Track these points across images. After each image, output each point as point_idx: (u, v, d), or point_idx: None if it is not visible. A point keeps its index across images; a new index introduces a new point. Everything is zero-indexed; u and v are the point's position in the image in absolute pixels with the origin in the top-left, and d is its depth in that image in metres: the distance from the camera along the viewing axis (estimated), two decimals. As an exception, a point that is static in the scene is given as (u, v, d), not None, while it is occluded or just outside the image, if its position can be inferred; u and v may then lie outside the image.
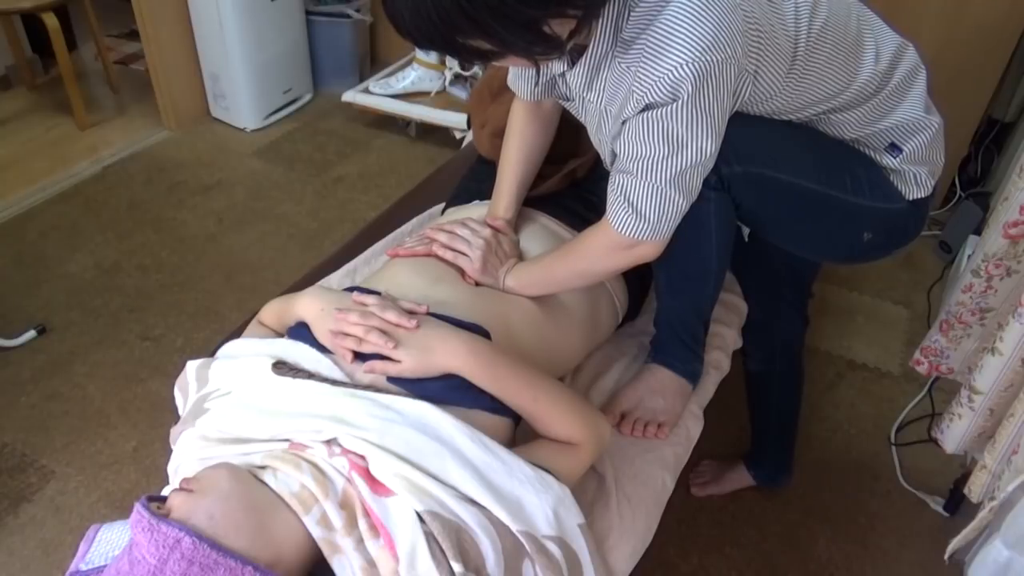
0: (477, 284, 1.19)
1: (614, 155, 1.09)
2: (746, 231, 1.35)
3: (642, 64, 0.94)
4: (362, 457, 0.88)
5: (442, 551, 0.82)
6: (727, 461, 1.71)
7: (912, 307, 2.25)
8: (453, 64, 2.94)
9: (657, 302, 1.29)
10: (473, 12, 0.81)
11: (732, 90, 0.98)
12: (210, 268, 2.34)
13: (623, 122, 1.02)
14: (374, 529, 0.84)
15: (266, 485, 0.85)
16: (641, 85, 0.94)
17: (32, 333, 2.05)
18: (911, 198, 1.18)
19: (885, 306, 2.26)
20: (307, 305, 1.07)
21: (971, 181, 2.54)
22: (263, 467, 0.89)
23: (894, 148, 1.16)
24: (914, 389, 1.96)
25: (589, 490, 1.10)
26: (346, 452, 0.88)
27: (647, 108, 0.96)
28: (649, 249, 1.09)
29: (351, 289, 1.12)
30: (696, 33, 0.90)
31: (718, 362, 1.36)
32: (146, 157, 2.91)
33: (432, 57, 2.93)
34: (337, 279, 1.45)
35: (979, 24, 2.21)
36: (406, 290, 1.11)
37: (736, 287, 1.47)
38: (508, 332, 1.10)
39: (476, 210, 1.35)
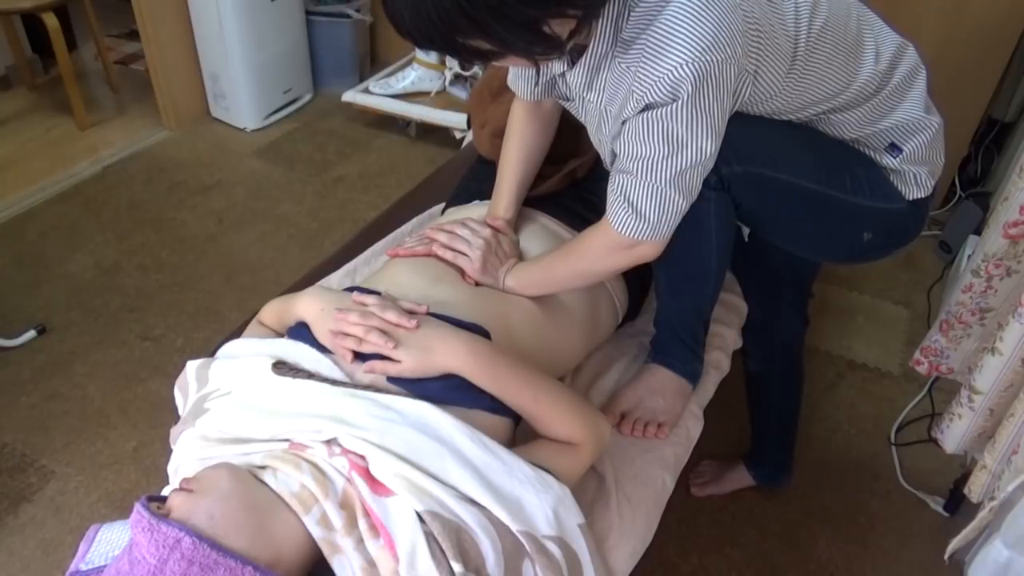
0: (477, 284, 1.19)
1: (614, 155, 1.09)
2: (746, 231, 1.35)
3: (642, 64, 0.94)
4: (362, 457, 0.88)
5: (442, 551, 0.82)
6: (727, 461, 1.71)
7: (912, 307, 2.25)
8: (453, 64, 2.94)
9: (657, 302, 1.29)
10: (473, 12, 0.81)
11: (732, 90, 0.98)
12: (210, 268, 2.34)
13: (623, 122, 1.02)
14: (374, 529, 0.84)
15: (266, 485, 0.85)
16: (641, 85, 0.94)
17: (32, 333, 2.05)
18: (911, 198, 1.18)
19: (885, 306, 2.26)
20: (307, 305, 1.07)
21: (971, 181, 2.54)
22: (263, 467, 0.89)
23: (894, 148, 1.16)
24: (914, 389, 1.96)
25: (589, 490, 1.10)
26: (346, 452, 0.88)
27: (647, 108, 0.96)
28: (649, 249, 1.09)
29: (351, 289, 1.12)
30: (696, 33, 0.90)
31: (718, 362, 1.36)
32: (146, 157, 2.91)
33: (432, 57, 2.93)
34: (337, 279, 1.45)
35: (979, 24, 2.21)
36: (406, 290, 1.11)
37: (736, 287, 1.47)
38: (508, 332, 1.10)
39: (476, 210, 1.35)
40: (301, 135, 3.08)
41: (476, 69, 2.93)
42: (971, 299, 1.45)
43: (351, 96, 3.00)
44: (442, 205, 1.57)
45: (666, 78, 0.92)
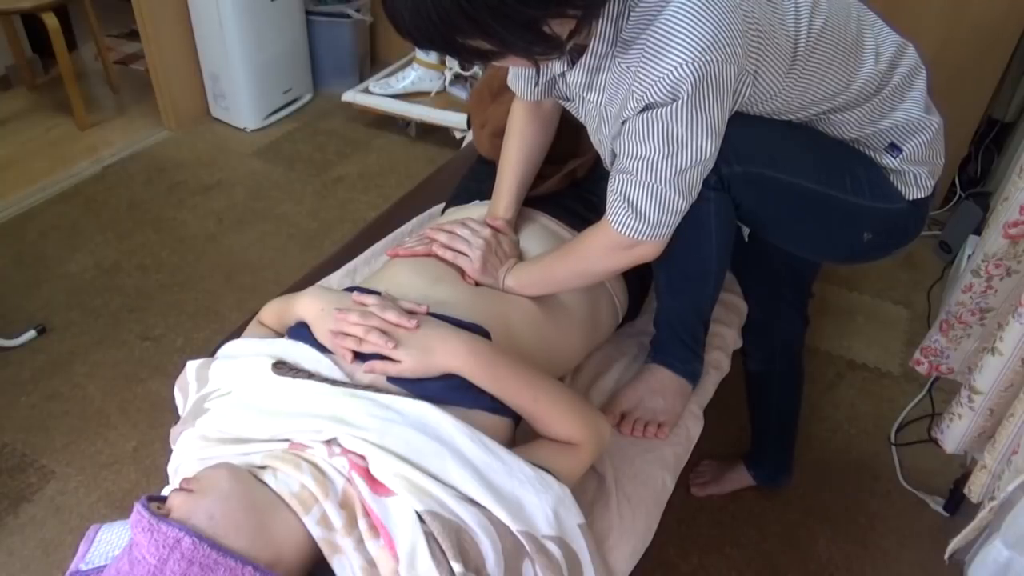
0: (477, 284, 1.19)
1: (614, 155, 1.09)
2: (746, 231, 1.35)
3: (642, 64, 0.94)
4: (362, 457, 0.88)
5: (442, 551, 0.82)
6: (727, 461, 1.71)
7: (912, 307, 2.25)
8: (453, 64, 2.94)
9: (657, 302, 1.29)
10: (473, 12, 0.81)
11: (732, 90, 0.98)
12: (210, 268, 2.34)
13: (623, 122, 1.02)
14: (374, 529, 0.84)
15: (266, 485, 0.85)
16: (641, 85, 0.94)
17: (32, 333, 2.05)
18: (911, 198, 1.18)
19: (885, 306, 2.26)
20: (307, 305, 1.07)
21: (971, 181, 2.54)
22: (263, 467, 0.89)
23: (894, 148, 1.16)
24: (914, 389, 1.96)
25: (589, 490, 1.10)
26: (346, 452, 0.88)
27: (647, 108, 0.96)
28: (649, 249, 1.09)
29: (351, 289, 1.12)
30: (696, 33, 0.90)
31: (718, 362, 1.36)
32: (146, 157, 2.91)
33: (432, 57, 2.93)
34: (337, 279, 1.45)
35: (979, 24, 2.21)
36: (406, 290, 1.11)
37: (736, 287, 1.47)
38: (508, 332, 1.10)
39: (476, 210, 1.35)
40: (301, 135, 3.08)
41: (476, 69, 2.93)
42: (971, 299, 1.45)
43: (351, 96, 3.00)
44: (442, 205, 1.57)
45: (666, 78, 0.92)
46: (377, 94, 2.97)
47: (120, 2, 3.22)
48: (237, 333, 1.20)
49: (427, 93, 2.98)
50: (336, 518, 0.83)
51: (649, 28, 0.93)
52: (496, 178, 1.31)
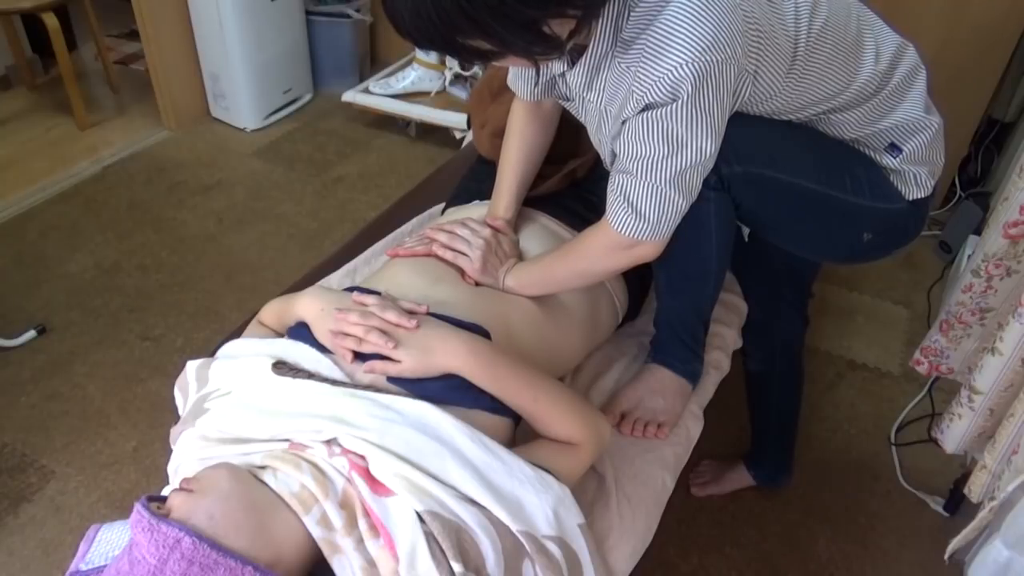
0: (477, 284, 1.19)
1: (614, 155, 1.09)
2: (746, 231, 1.35)
3: (642, 64, 0.94)
4: (362, 457, 0.88)
5: (442, 551, 0.82)
6: (727, 461, 1.71)
7: (912, 307, 2.25)
8: (453, 64, 2.94)
9: (657, 302, 1.29)
10: (473, 12, 0.81)
11: (732, 90, 0.98)
12: (210, 268, 2.34)
13: (623, 122, 1.02)
14: (374, 529, 0.84)
15: (266, 485, 0.85)
16: (641, 85, 0.94)
17: (32, 333, 2.05)
18: (911, 198, 1.18)
19: (885, 306, 2.26)
20: (307, 305, 1.07)
21: (971, 181, 2.54)
22: (263, 467, 0.89)
23: (894, 148, 1.16)
24: (914, 389, 1.96)
25: (589, 490, 1.10)
26: (346, 452, 0.88)
27: (647, 108, 0.96)
28: (649, 249, 1.09)
29: (351, 289, 1.12)
30: (696, 33, 0.90)
31: (718, 362, 1.36)
32: (146, 157, 2.91)
33: (432, 57, 2.93)
34: (337, 279, 1.45)
35: (979, 24, 2.21)
36: (406, 290, 1.11)
37: (736, 287, 1.47)
38: (508, 332, 1.10)
39: (476, 210, 1.35)
40: (301, 135, 3.08)
41: (476, 69, 2.93)
42: (971, 299, 1.45)
43: (351, 96, 3.00)
44: (442, 205, 1.57)
45: (666, 78, 0.92)
46: (377, 94, 2.97)
47: (120, 2, 3.22)
48: (237, 333, 1.20)
49: (427, 93, 2.98)
50: (336, 518, 0.83)
51: (649, 28, 0.93)
52: (496, 178, 1.31)
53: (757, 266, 1.41)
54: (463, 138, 2.65)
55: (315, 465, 0.88)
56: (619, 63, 0.99)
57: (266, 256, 2.40)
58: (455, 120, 2.83)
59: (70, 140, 2.98)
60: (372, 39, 3.51)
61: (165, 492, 0.94)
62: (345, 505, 0.85)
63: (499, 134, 1.35)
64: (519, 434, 1.05)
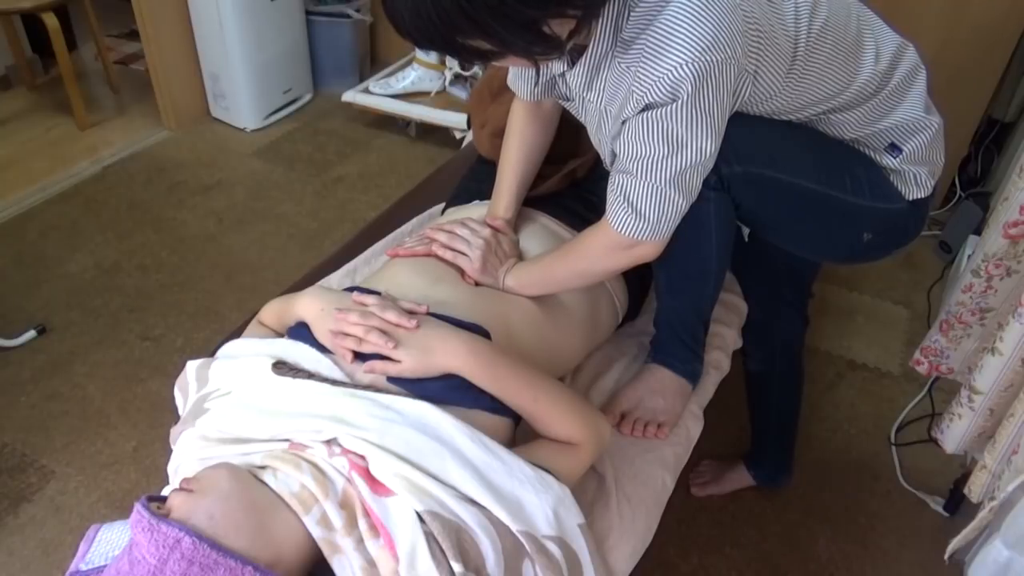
0: (477, 284, 1.19)
1: (614, 155, 1.09)
2: (746, 231, 1.35)
3: (642, 64, 0.94)
4: (362, 457, 0.88)
5: (442, 551, 0.82)
6: (727, 461, 1.71)
7: (912, 307, 2.25)
8: (453, 64, 2.94)
9: (657, 302, 1.29)
10: (473, 12, 0.81)
11: (732, 90, 0.98)
12: (210, 268, 2.34)
13: (623, 122, 1.02)
14: (374, 529, 0.84)
15: (266, 485, 0.85)
16: (641, 85, 0.94)
17: (32, 333, 2.05)
18: (911, 198, 1.18)
19: (885, 306, 2.26)
20: (307, 305, 1.07)
21: (971, 181, 2.54)
22: (263, 467, 0.89)
23: (894, 148, 1.16)
24: (914, 389, 1.96)
25: (589, 490, 1.10)
26: (346, 452, 0.88)
27: (647, 108, 0.96)
28: (649, 249, 1.09)
29: (351, 289, 1.12)
30: (696, 33, 0.90)
31: (718, 362, 1.36)
32: (146, 157, 2.91)
33: (432, 57, 2.93)
34: (337, 279, 1.45)
35: (979, 24, 2.21)
36: (406, 290, 1.11)
37: (736, 287, 1.47)
38: (508, 332, 1.10)
39: (476, 210, 1.35)
40: (301, 135, 3.08)
41: (476, 69, 2.93)
42: (971, 299, 1.45)
43: (351, 96, 3.00)
44: (442, 205, 1.57)
45: (666, 78, 0.92)
46: (377, 94, 2.97)
47: (120, 2, 3.22)
48: (237, 333, 1.20)
49: (427, 93, 2.98)
50: (336, 518, 0.83)
51: (649, 28, 0.93)
52: (496, 178, 1.31)
53: (757, 266, 1.41)
54: (463, 138, 2.65)
55: (315, 465, 0.88)
56: (619, 63, 0.99)
57: (266, 256, 2.40)
58: (455, 120, 2.83)
59: (70, 140, 2.98)
60: (372, 39, 3.51)
61: (165, 492, 0.94)
62: (345, 505, 0.85)
63: (499, 134, 1.35)
64: (519, 434, 1.05)
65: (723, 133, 1.01)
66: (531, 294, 1.19)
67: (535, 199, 1.34)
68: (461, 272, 1.20)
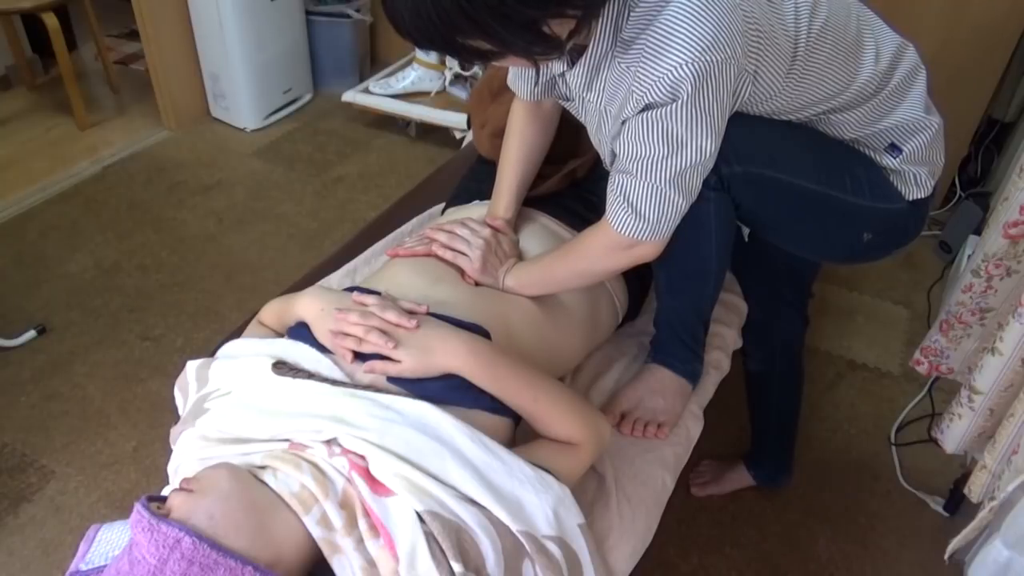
0: (477, 284, 1.19)
1: (614, 155, 1.09)
2: (746, 231, 1.35)
3: (642, 64, 0.94)
4: (362, 457, 0.88)
5: (442, 551, 0.82)
6: (727, 461, 1.71)
7: (912, 307, 2.25)
8: (453, 64, 2.94)
9: (657, 302, 1.29)
10: (473, 12, 0.81)
11: (732, 90, 0.98)
12: (210, 268, 2.34)
13: (623, 122, 1.02)
14: (374, 529, 0.84)
15: (266, 485, 0.85)
16: (641, 85, 0.94)
17: (32, 333, 2.05)
18: (911, 198, 1.18)
19: (885, 306, 2.26)
20: (307, 305, 1.07)
21: (971, 181, 2.54)
22: (263, 467, 0.89)
23: (894, 148, 1.16)
24: (914, 389, 1.96)
25: (589, 490, 1.10)
26: (346, 452, 0.88)
27: (647, 108, 0.96)
28: (649, 249, 1.09)
29: (351, 289, 1.12)
30: (696, 33, 0.90)
31: (718, 362, 1.36)
32: (146, 157, 2.91)
33: (432, 57, 2.93)
34: (337, 279, 1.46)
35: (979, 24, 2.21)
36: (406, 290, 1.11)
37: (736, 287, 1.47)
38: (508, 332, 1.10)
39: (476, 210, 1.35)
40: (301, 135, 3.08)
41: (476, 69, 2.93)
42: (971, 299, 1.45)
43: (351, 96, 3.00)
44: (442, 205, 1.57)
45: (666, 78, 0.92)
46: (377, 94, 2.97)
47: (120, 2, 3.22)
48: (237, 333, 1.20)
49: (427, 93, 2.98)
50: (336, 518, 0.83)
51: (649, 28, 0.93)
52: (496, 178, 1.31)
53: (757, 266, 1.41)
54: (463, 138, 2.65)
55: (315, 465, 0.88)
56: (619, 63, 0.99)
57: (266, 256, 2.40)
58: (455, 120, 2.83)
59: (70, 140, 2.98)
60: (372, 39, 3.51)
61: (165, 492, 0.94)
62: (345, 505, 0.85)
63: (499, 134, 1.35)
64: (519, 434, 1.05)
65: (723, 133, 1.01)
66: (531, 294, 1.19)
67: (535, 199, 1.34)
68: (461, 272, 1.20)
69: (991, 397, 1.33)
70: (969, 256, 1.99)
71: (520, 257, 1.24)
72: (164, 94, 2.99)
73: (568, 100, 1.16)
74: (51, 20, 2.75)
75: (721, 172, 1.05)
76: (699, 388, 1.30)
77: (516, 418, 1.03)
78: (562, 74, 1.08)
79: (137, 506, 0.78)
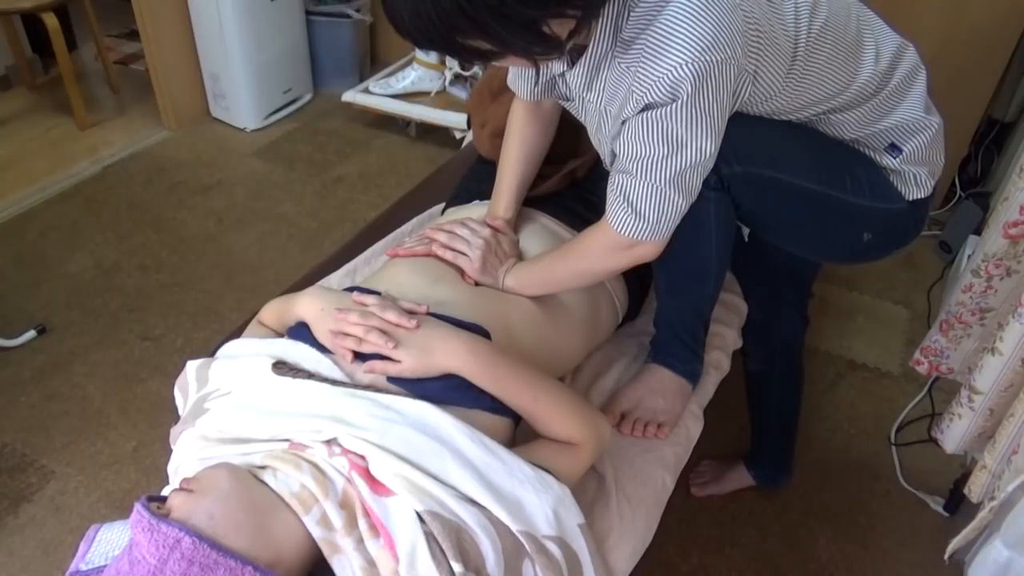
0: (477, 284, 1.19)
1: (614, 155, 1.09)
2: (746, 231, 1.35)
3: (642, 64, 0.94)
4: (362, 457, 0.88)
5: (442, 551, 0.82)
6: (727, 461, 1.71)
7: (912, 307, 2.25)
8: (453, 64, 2.94)
9: (657, 302, 1.29)
10: (473, 12, 0.81)
11: (732, 90, 0.98)
12: (210, 268, 2.34)
13: (623, 122, 1.02)
14: (374, 529, 0.84)
15: (266, 485, 0.85)
16: (641, 85, 0.94)
17: (32, 333, 2.05)
18: (911, 198, 1.18)
19: (885, 306, 2.26)
20: (307, 305, 1.07)
21: (971, 181, 2.54)
22: (263, 467, 0.89)
23: (894, 148, 1.16)
24: (914, 389, 1.96)
25: (589, 490, 1.10)
26: (346, 452, 0.88)
27: (647, 108, 0.96)
28: (648, 249, 1.09)
29: (351, 289, 1.12)
30: (696, 33, 0.90)
31: (718, 362, 1.36)
32: (146, 157, 2.91)
33: (432, 57, 2.93)
34: (337, 279, 1.46)
35: (979, 24, 2.21)
36: (406, 290, 1.11)
37: (736, 287, 1.47)
38: (508, 332, 1.10)
39: (476, 210, 1.35)
40: (301, 135, 3.08)
41: (476, 69, 2.93)
42: (971, 299, 1.45)
43: (351, 96, 3.00)
44: (442, 205, 1.57)
45: (666, 78, 0.92)
46: (377, 94, 2.97)
47: (120, 2, 3.22)
48: (237, 333, 1.20)
49: (427, 93, 2.98)
50: (336, 518, 0.83)
51: (649, 28, 0.93)
52: (496, 178, 1.31)
53: (757, 266, 1.41)
54: (463, 138, 2.65)
55: (315, 465, 0.88)
56: (619, 63, 0.99)
57: (266, 256, 2.40)
58: (455, 120, 2.83)
59: (70, 140, 2.98)
60: (372, 39, 3.51)
61: (165, 492, 0.94)
62: (345, 505, 0.85)
63: (499, 134, 1.35)
64: (519, 434, 1.05)
65: (723, 133, 1.01)
66: (531, 294, 1.19)
67: (535, 199, 1.34)
68: (461, 272, 1.20)
69: (991, 397, 1.33)
70: (969, 256, 1.99)
71: (520, 257, 1.24)
72: (164, 94, 2.99)
73: (568, 100, 1.16)
74: (51, 20, 2.75)
75: (721, 172, 1.05)
76: (699, 388, 1.30)
77: (516, 418, 1.03)
78: (562, 74, 1.08)
79: (137, 506, 0.78)
